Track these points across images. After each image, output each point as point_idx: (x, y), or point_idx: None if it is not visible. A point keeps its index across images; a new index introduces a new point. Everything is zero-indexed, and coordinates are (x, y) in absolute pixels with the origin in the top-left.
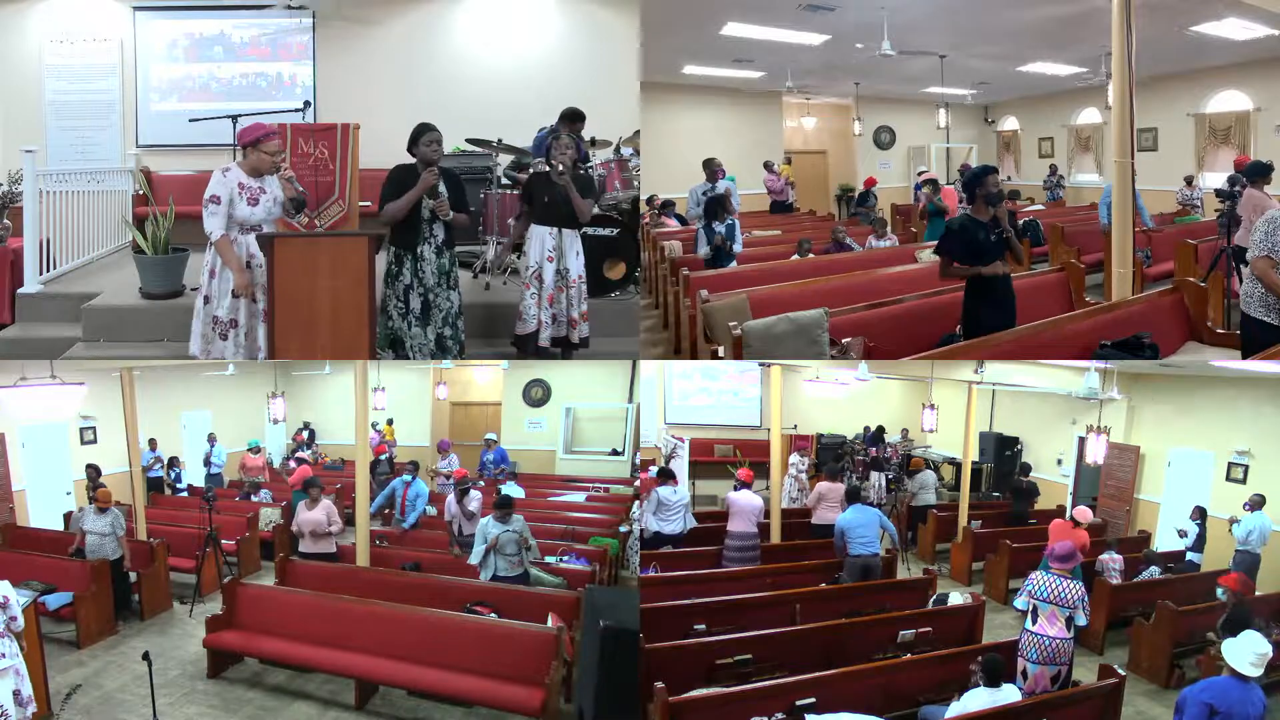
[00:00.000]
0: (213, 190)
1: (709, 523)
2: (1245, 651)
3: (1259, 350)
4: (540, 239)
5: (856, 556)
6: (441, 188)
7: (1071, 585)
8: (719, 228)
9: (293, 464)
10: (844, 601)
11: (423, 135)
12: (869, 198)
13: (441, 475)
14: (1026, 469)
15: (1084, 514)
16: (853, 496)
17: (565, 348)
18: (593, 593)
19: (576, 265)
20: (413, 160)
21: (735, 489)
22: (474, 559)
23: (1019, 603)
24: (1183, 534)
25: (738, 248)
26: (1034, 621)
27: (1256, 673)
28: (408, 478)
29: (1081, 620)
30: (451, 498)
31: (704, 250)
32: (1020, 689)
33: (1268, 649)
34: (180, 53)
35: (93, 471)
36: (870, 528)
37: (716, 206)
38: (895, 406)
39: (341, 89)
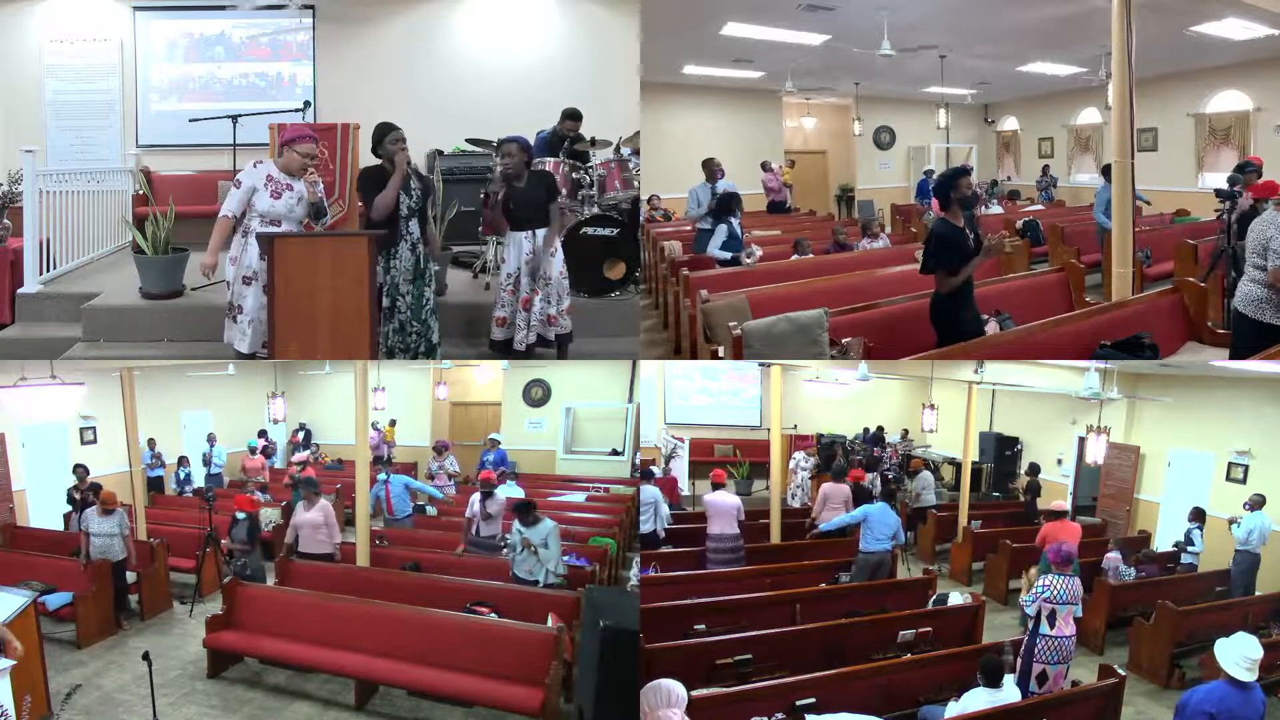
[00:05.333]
0: (239, 176)
1: (697, 523)
2: (1235, 655)
3: (1251, 350)
4: (517, 244)
5: (870, 553)
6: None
7: (1077, 582)
8: (735, 225)
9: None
10: (844, 601)
11: (387, 134)
12: None
13: (444, 475)
14: (1036, 468)
15: (1059, 504)
16: (886, 499)
17: (557, 345)
18: (593, 593)
19: (554, 263)
20: (378, 161)
21: (713, 489)
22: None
23: (1029, 609)
24: (1180, 544)
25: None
26: (1051, 625)
27: (1249, 676)
28: (383, 477)
29: (1079, 612)
30: (476, 496)
31: (721, 252)
32: (1035, 693)
33: (1258, 652)
34: (180, 53)
35: (81, 471)
36: (889, 528)
37: (731, 203)
38: (895, 406)
39: (341, 89)
